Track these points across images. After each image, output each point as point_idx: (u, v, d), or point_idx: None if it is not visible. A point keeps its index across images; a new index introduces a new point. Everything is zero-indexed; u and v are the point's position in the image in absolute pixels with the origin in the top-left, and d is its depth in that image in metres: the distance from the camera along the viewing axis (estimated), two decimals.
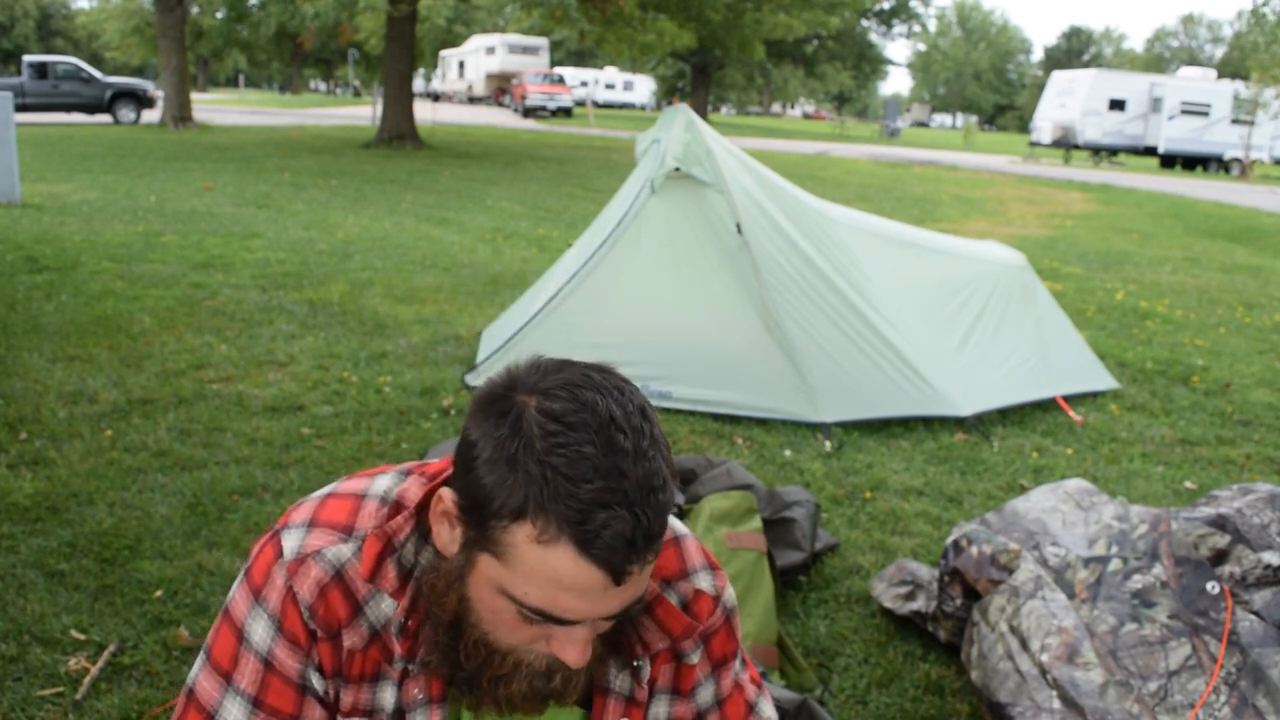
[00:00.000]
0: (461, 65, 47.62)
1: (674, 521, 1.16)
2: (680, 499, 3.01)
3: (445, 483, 1.02)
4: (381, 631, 1.03)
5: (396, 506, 1.05)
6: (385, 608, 1.03)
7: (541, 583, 0.89)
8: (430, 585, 0.99)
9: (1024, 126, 66.69)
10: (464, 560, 0.95)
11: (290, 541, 1.03)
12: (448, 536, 0.96)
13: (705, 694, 1.19)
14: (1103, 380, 5.07)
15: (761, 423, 4.21)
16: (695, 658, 1.15)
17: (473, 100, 45.95)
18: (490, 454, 0.89)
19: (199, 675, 1.06)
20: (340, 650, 1.03)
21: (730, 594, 1.18)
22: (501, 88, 43.84)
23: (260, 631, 1.02)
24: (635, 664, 1.11)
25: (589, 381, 0.91)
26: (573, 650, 0.94)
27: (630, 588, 0.91)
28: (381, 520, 1.04)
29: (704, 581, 1.14)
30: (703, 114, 39.25)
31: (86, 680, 2.24)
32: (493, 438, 0.89)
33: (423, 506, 1.03)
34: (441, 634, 0.99)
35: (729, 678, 1.20)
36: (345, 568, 1.02)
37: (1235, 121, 29.97)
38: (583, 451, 0.86)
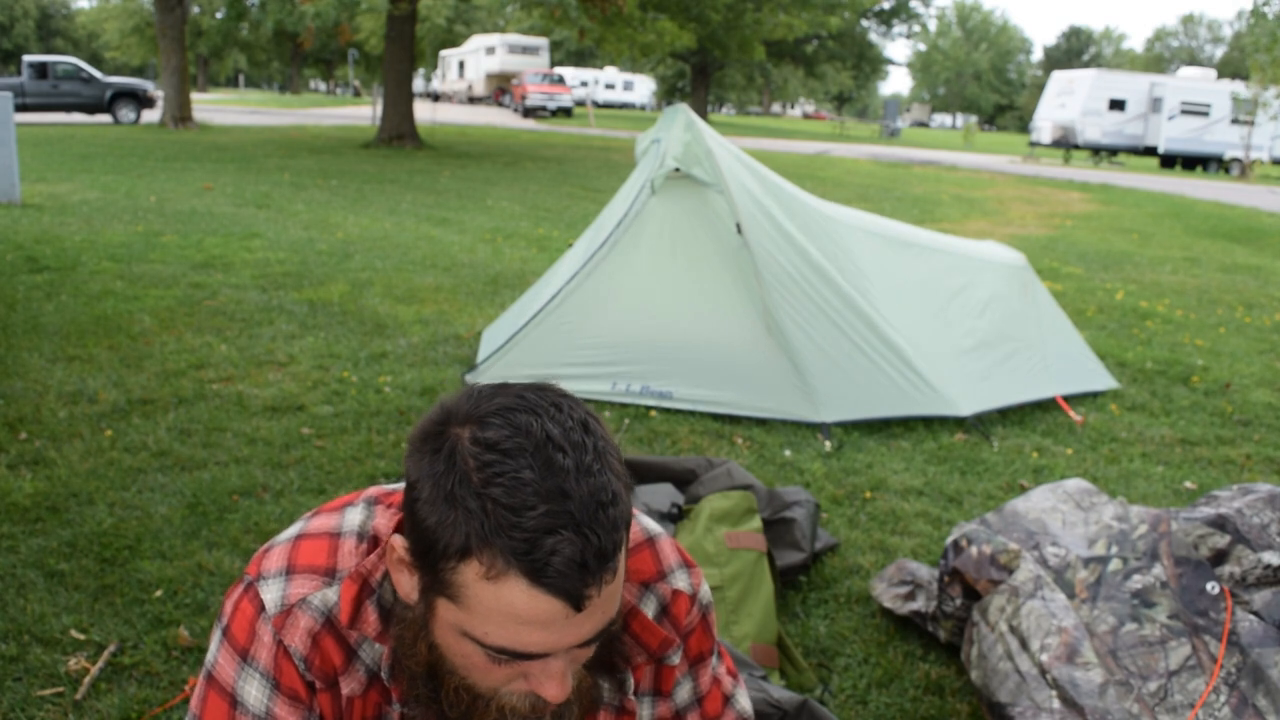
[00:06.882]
0: (461, 65, 47.63)
1: (646, 521, 1.13)
2: (681, 498, 3.01)
3: (398, 528, 0.99)
4: (378, 672, 1.00)
5: (374, 541, 1.00)
6: (379, 648, 0.99)
7: (500, 620, 0.84)
8: (398, 636, 0.95)
9: (1024, 126, 66.68)
10: (424, 607, 0.90)
11: (270, 593, 0.98)
12: (407, 584, 0.92)
13: (684, 691, 1.17)
14: (1103, 380, 5.07)
15: (761, 423, 4.21)
16: (676, 659, 1.14)
17: (473, 100, 45.95)
18: (429, 493, 0.84)
19: None
20: (340, 698, 1.00)
21: (706, 590, 1.15)
22: (501, 88, 43.85)
23: (255, 692, 0.98)
24: (619, 676, 1.08)
25: (523, 403, 0.87)
26: (550, 685, 0.89)
27: (595, 612, 0.86)
28: (361, 557, 1.00)
29: (681, 581, 1.12)
30: (703, 114, 39.24)
31: (86, 680, 2.24)
32: (430, 476, 0.85)
33: None
34: (420, 684, 0.94)
35: (707, 674, 1.19)
36: (335, 613, 0.98)
37: (1235, 121, 29.98)
38: (521, 477, 0.82)
